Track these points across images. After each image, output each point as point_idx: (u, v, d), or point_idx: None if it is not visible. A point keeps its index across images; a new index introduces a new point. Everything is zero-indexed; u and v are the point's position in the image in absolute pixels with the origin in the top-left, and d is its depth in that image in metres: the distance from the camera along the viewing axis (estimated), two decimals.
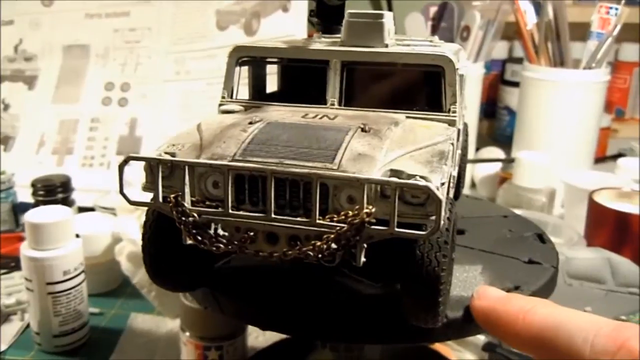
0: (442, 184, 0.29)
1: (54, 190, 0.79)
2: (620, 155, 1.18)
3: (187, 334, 0.55)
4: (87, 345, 0.62)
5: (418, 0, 1.15)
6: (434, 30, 1.14)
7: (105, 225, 0.70)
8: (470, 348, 0.58)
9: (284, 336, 0.59)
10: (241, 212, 0.31)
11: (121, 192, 0.32)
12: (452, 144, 0.35)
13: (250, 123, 0.35)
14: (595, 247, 0.65)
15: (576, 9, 1.21)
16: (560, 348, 0.28)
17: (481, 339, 0.58)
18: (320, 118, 0.36)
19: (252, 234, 0.31)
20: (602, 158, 1.22)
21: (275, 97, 0.43)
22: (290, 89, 0.44)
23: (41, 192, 0.79)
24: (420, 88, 0.41)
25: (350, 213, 0.29)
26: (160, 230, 0.35)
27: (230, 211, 0.31)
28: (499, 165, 1.01)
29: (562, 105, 0.99)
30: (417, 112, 0.39)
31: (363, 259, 0.30)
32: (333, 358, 0.48)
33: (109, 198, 0.80)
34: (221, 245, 0.31)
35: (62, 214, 0.59)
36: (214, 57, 1.02)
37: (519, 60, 1.22)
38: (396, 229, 0.29)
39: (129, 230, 0.62)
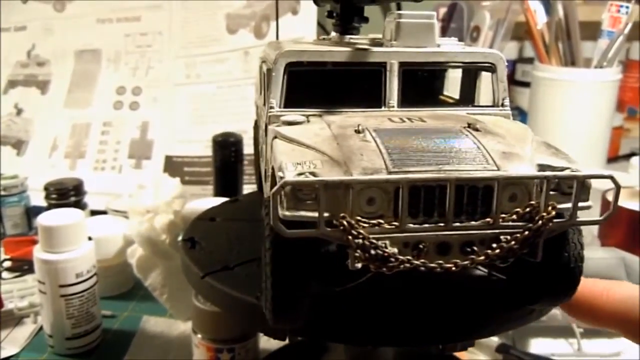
0: None
1: (66, 194, 0.80)
2: (632, 154, 1.16)
3: (199, 336, 0.55)
4: (99, 347, 0.62)
5: (427, 0, 1.15)
6: (444, 31, 1.14)
7: (118, 228, 0.71)
8: (484, 349, 0.58)
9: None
10: (419, 226, 0.30)
11: (275, 222, 0.29)
12: None
13: (357, 132, 0.33)
14: (609, 247, 0.65)
15: (586, 7, 1.20)
16: None
17: (495, 340, 0.58)
18: (412, 121, 0.35)
19: (423, 246, 0.30)
20: (615, 157, 1.21)
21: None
22: (308, 94, 0.40)
23: (54, 196, 0.79)
24: (468, 84, 0.42)
25: (521, 211, 0.30)
26: (293, 262, 0.31)
27: (406, 226, 0.29)
28: None
29: (573, 104, 0.98)
30: (475, 107, 0.40)
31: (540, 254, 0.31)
32: (346, 359, 0.48)
33: (120, 201, 0.80)
34: (395, 264, 0.30)
35: (74, 216, 0.59)
36: (224, 60, 1.03)
37: (529, 61, 1.21)
38: (577, 219, 0.30)
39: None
